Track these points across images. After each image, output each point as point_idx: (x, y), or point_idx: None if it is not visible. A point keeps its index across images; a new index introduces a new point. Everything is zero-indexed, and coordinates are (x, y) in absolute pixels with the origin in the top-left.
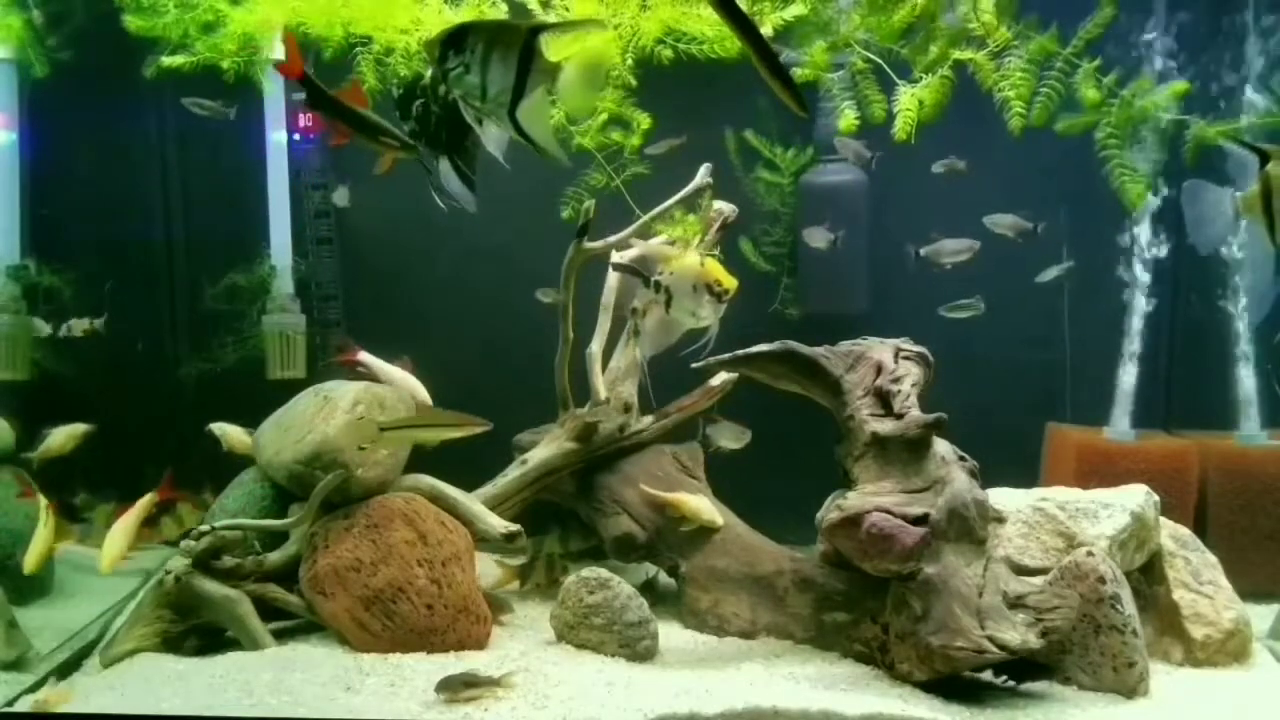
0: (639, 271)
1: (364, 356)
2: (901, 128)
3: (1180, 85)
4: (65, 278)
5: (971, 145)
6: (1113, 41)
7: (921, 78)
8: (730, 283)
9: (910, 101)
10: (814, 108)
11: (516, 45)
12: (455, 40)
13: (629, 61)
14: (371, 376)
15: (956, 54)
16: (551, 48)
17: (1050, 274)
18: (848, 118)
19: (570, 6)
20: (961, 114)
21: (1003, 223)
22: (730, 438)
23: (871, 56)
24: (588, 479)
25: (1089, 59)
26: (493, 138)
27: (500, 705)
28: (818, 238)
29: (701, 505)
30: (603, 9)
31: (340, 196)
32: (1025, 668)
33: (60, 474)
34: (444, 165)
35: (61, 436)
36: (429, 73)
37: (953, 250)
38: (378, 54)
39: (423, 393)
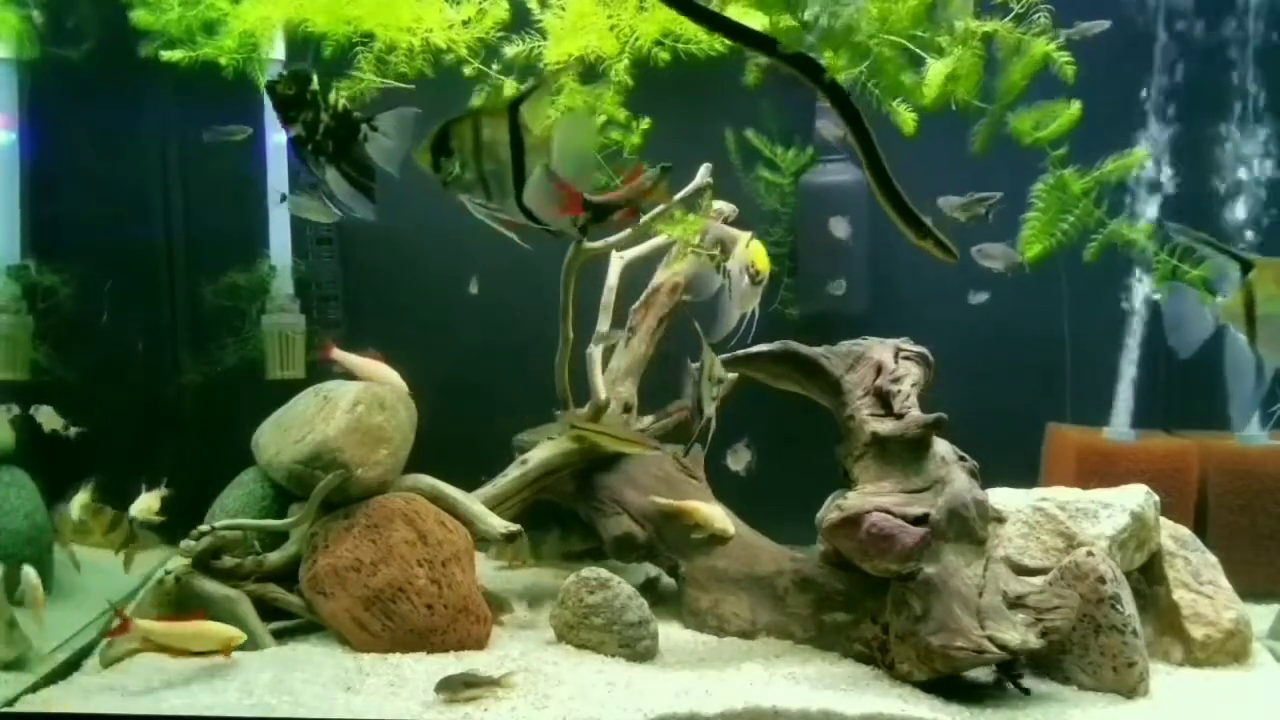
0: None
1: (337, 354)
2: (927, 93)
3: (1139, 154)
4: (65, 278)
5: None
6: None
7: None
8: (764, 266)
9: (937, 71)
10: (815, 107)
11: (503, 131)
12: (442, 143)
13: (625, 61)
14: (349, 373)
15: (981, 26)
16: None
17: (979, 298)
18: (908, 120)
19: (566, 8)
20: (963, 115)
21: (954, 204)
22: (740, 461)
23: (897, 39)
24: (588, 479)
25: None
26: (381, 151)
27: (500, 705)
28: (840, 229)
29: (714, 513)
30: (600, 9)
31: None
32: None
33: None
34: (331, 174)
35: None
36: (315, 76)
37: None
38: (380, 52)
39: (398, 381)
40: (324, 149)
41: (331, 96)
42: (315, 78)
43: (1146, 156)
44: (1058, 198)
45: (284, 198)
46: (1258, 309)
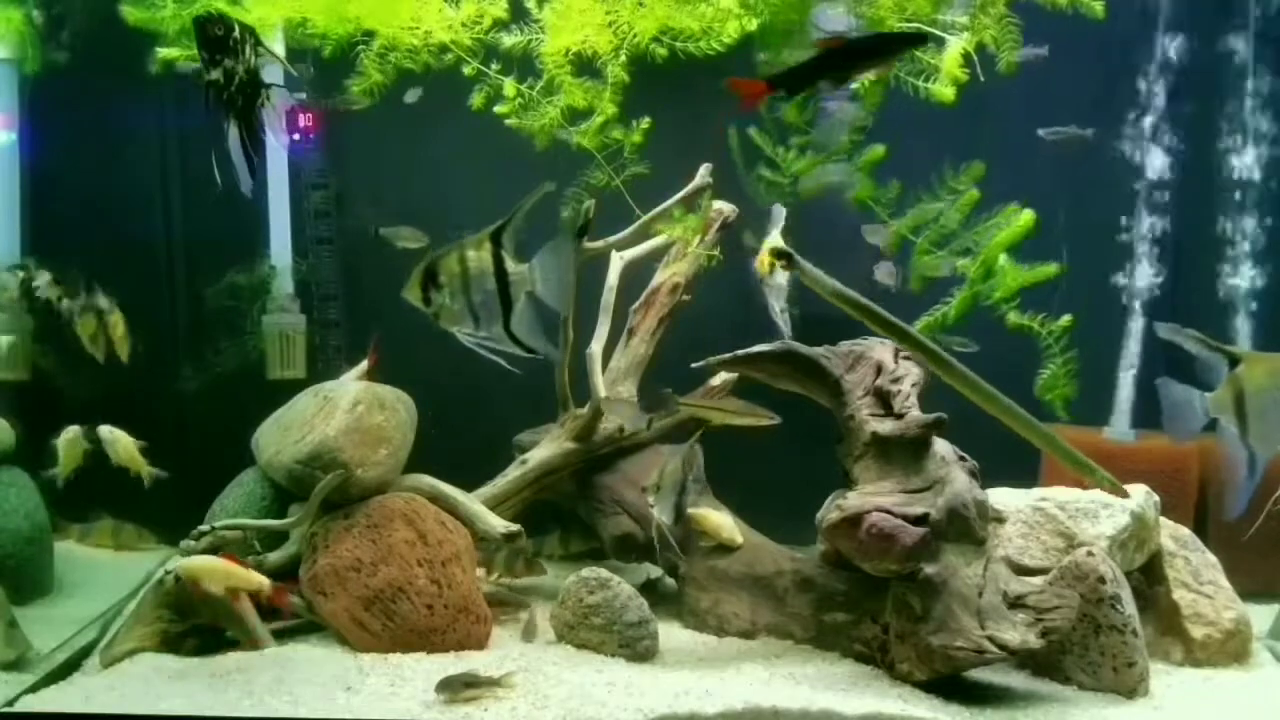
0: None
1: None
2: (950, 62)
3: (1026, 217)
4: (65, 277)
5: (973, 144)
6: None
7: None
8: (763, 270)
9: (956, 48)
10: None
11: (488, 264)
12: (431, 277)
13: (622, 58)
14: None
15: None
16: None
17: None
18: (945, 94)
19: (566, 6)
20: (963, 112)
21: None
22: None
23: (924, 27)
24: (587, 479)
25: None
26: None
27: (500, 705)
28: (884, 273)
29: (723, 522)
30: (598, 4)
31: None
32: None
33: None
34: (233, 131)
35: (69, 447)
36: (238, 28)
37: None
38: (380, 49)
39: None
40: (234, 103)
41: (248, 52)
42: (239, 28)
43: (1030, 220)
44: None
45: (377, 231)
46: (1247, 402)
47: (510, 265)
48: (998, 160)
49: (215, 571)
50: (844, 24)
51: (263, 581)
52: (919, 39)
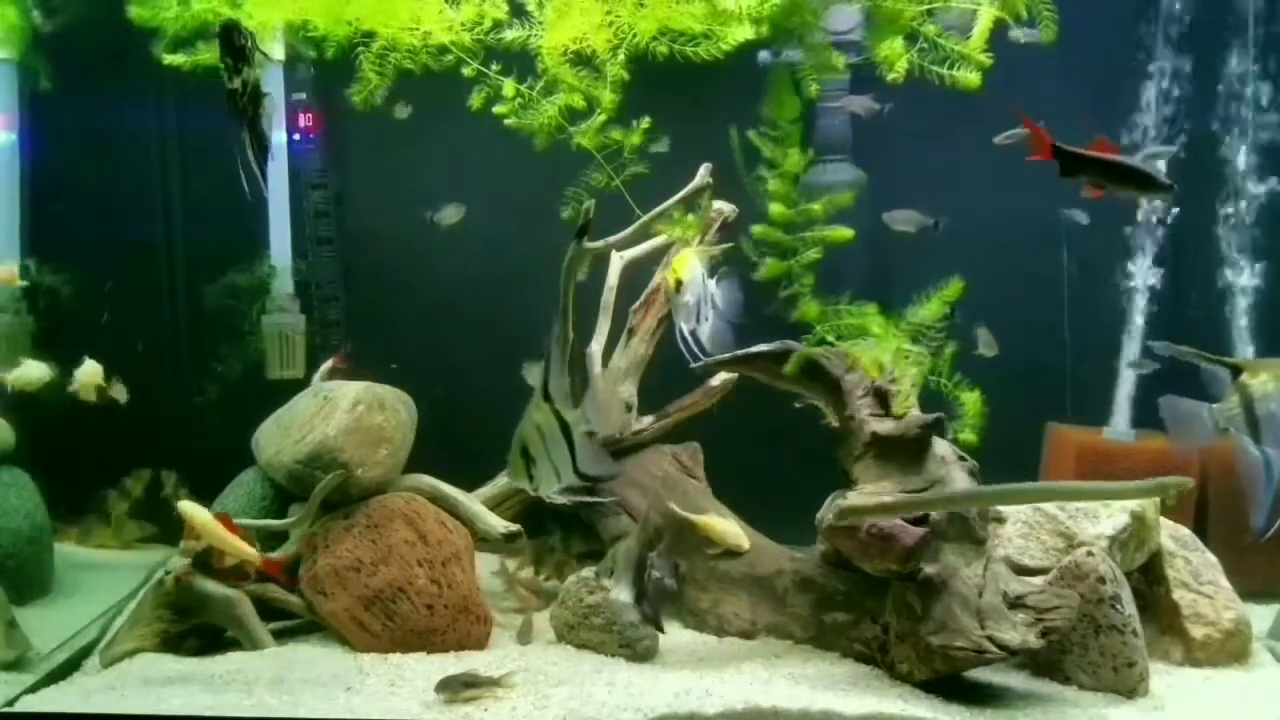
0: None
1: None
2: (974, 46)
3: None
4: (65, 277)
5: (973, 144)
6: None
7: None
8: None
9: (984, 24)
10: (817, 106)
11: (555, 424)
12: (527, 457)
13: (621, 56)
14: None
15: None
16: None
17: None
18: (971, 80)
19: (566, 4)
20: (963, 113)
21: (901, 219)
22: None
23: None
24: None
25: None
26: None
27: (500, 705)
28: (902, 221)
29: (729, 529)
30: (598, 4)
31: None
32: None
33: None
34: (246, 139)
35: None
36: (250, 37)
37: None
38: (379, 50)
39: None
40: (246, 112)
41: (258, 58)
42: (252, 37)
43: (959, 289)
44: None
45: (431, 219)
46: (1257, 409)
47: (568, 415)
48: (1000, 158)
49: (209, 528)
50: (855, 20)
51: (247, 551)
52: (1169, 189)
